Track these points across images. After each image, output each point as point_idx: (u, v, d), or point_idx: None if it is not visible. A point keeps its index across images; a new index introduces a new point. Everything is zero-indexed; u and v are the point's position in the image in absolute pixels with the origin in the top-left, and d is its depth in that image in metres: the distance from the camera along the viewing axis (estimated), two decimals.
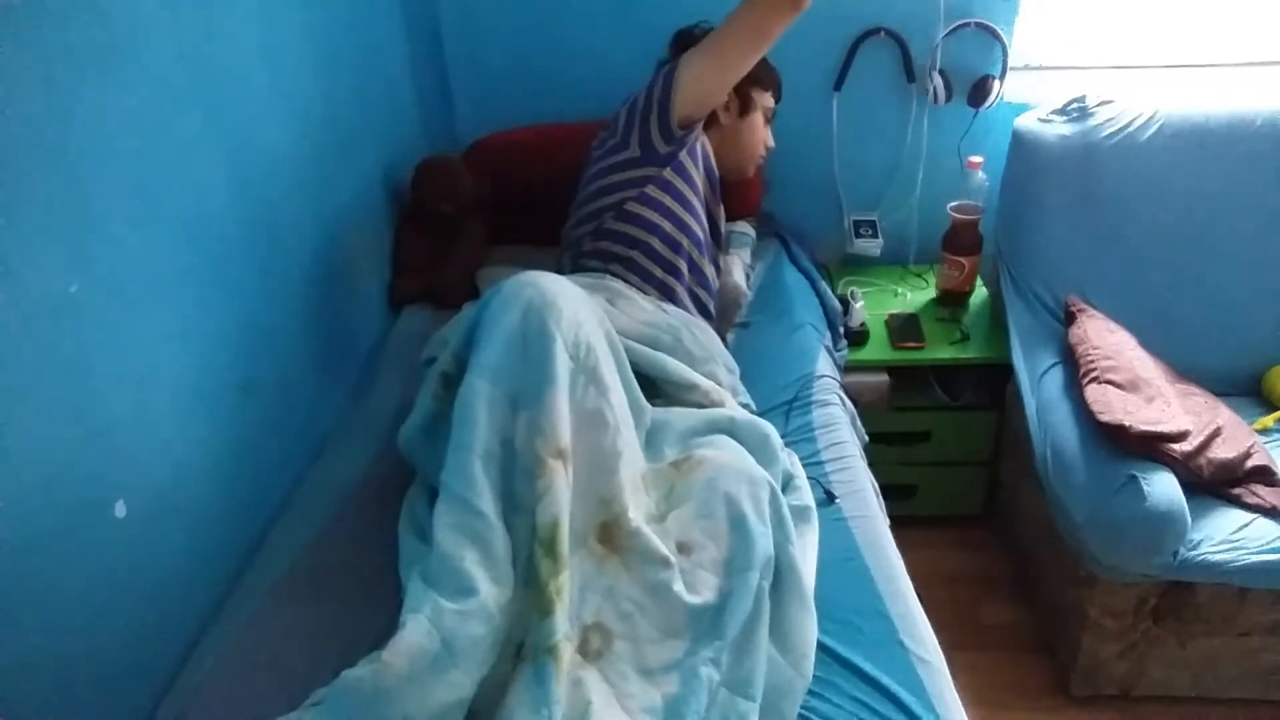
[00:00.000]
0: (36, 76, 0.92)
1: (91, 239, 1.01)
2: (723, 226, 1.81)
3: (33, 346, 0.93)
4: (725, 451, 1.24)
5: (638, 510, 1.12)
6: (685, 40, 1.75)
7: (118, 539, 1.05)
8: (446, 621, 0.94)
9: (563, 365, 1.10)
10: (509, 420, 1.09)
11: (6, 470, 0.89)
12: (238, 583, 1.26)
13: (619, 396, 1.18)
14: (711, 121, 1.71)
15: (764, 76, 1.76)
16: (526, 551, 1.03)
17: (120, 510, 1.05)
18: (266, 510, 1.38)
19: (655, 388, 1.39)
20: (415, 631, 0.92)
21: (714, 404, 1.40)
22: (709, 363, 1.47)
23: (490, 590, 0.99)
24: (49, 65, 0.94)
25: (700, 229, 1.64)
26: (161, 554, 1.13)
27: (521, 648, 1.01)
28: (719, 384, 1.45)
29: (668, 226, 1.58)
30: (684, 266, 1.61)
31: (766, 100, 1.80)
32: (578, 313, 1.16)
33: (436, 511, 1.05)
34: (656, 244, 1.57)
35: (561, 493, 1.05)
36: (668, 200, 1.58)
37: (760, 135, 1.80)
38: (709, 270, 1.68)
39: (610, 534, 1.09)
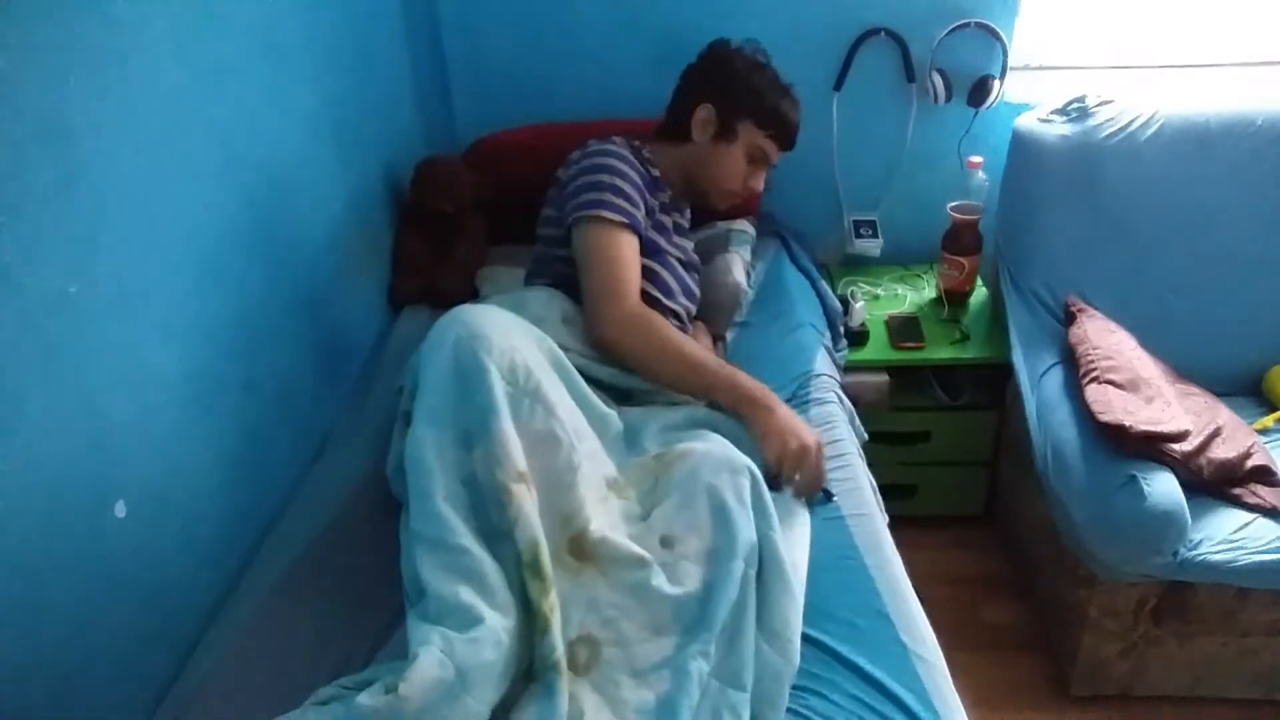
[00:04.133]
0: (36, 76, 0.92)
1: (91, 239, 1.01)
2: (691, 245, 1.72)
3: (33, 347, 0.93)
4: (705, 443, 1.24)
5: (604, 519, 1.12)
6: (719, 54, 1.63)
7: (118, 539, 1.05)
8: (458, 650, 0.94)
9: (501, 393, 1.09)
10: (464, 459, 1.08)
11: (7, 470, 0.90)
12: (238, 583, 1.26)
13: (569, 410, 1.18)
14: (684, 138, 1.61)
15: (758, 108, 1.59)
16: (518, 576, 1.03)
17: (120, 510, 1.05)
18: (266, 510, 1.38)
19: (628, 394, 1.39)
20: (428, 662, 0.92)
21: (684, 400, 1.40)
22: None
23: (494, 617, 0.99)
24: (50, 66, 0.94)
25: (666, 273, 1.56)
26: (161, 554, 1.13)
27: (530, 670, 1.01)
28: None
29: (653, 291, 1.52)
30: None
31: (757, 138, 1.61)
32: (509, 338, 1.15)
33: (419, 563, 1.04)
34: None
35: (531, 514, 1.05)
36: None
37: (733, 170, 1.62)
38: (683, 303, 1.60)
39: (580, 546, 1.09)
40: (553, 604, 1.01)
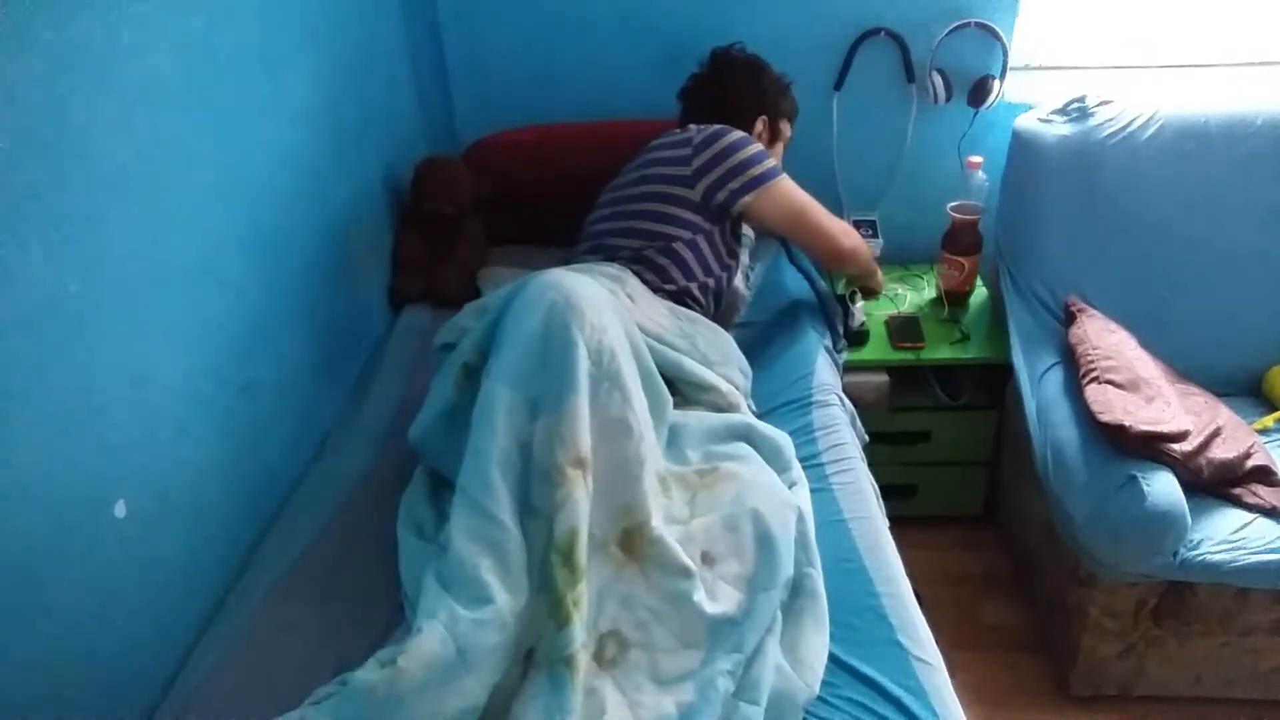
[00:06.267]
0: (36, 76, 0.92)
1: (91, 239, 1.01)
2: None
3: (33, 346, 0.93)
4: (753, 468, 1.24)
5: (660, 517, 1.11)
6: (724, 60, 1.78)
7: (118, 539, 1.05)
8: (462, 629, 0.94)
9: (584, 371, 1.09)
10: (527, 425, 1.08)
11: (7, 470, 0.90)
12: (238, 582, 1.26)
13: (641, 402, 1.18)
14: None
15: (793, 111, 1.85)
16: (541, 557, 1.03)
17: (120, 510, 1.05)
18: (266, 510, 1.38)
19: (672, 387, 1.38)
20: (431, 638, 0.92)
21: (731, 406, 1.40)
22: (724, 366, 1.46)
23: (505, 599, 0.99)
24: (49, 65, 0.94)
25: (731, 272, 1.70)
26: (161, 554, 1.13)
27: (532, 653, 1.01)
28: (735, 387, 1.45)
29: (705, 278, 1.62)
30: (706, 308, 1.64)
31: (789, 130, 1.86)
32: (601, 317, 1.15)
33: (453, 516, 1.04)
34: (694, 288, 1.60)
35: (581, 503, 1.04)
36: (710, 256, 1.62)
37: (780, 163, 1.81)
38: (725, 300, 1.73)
39: (631, 541, 1.09)
40: (578, 597, 1.00)
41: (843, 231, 1.73)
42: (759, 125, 1.77)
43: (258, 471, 1.36)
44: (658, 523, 1.09)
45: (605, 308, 1.18)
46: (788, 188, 1.65)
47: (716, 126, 1.62)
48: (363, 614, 1.17)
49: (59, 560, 0.96)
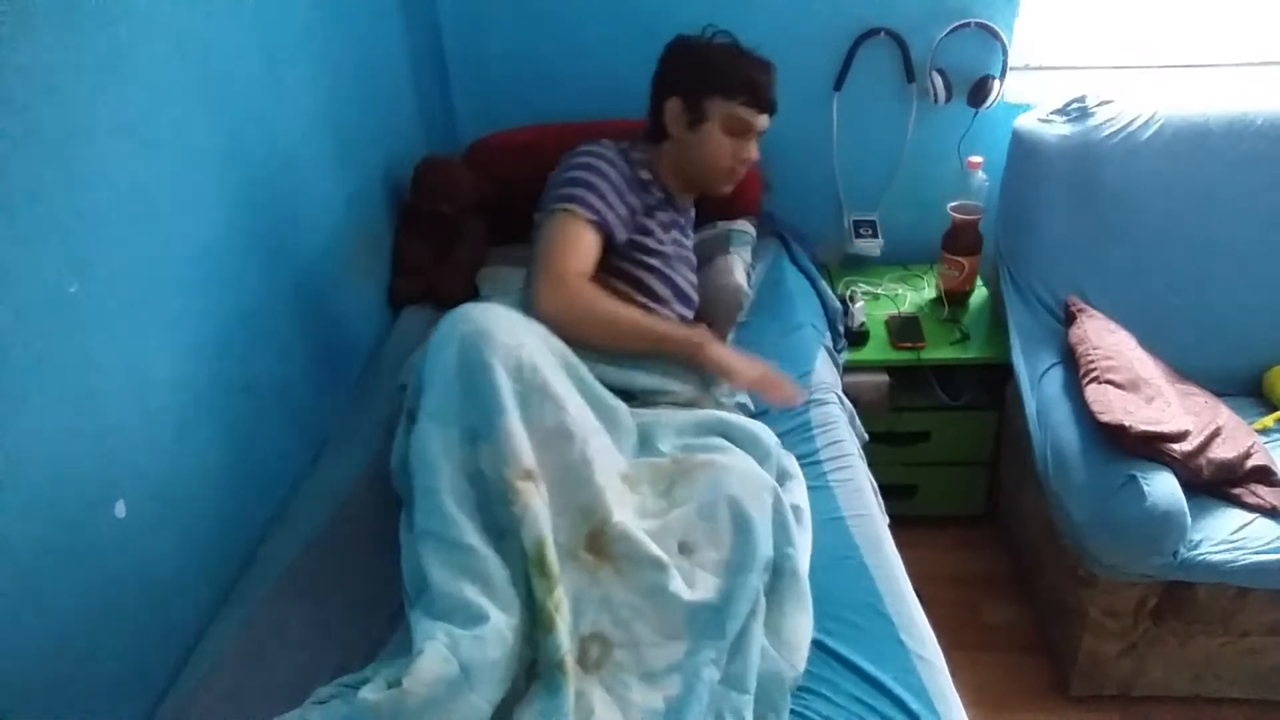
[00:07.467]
0: (37, 77, 0.92)
1: (91, 239, 1.01)
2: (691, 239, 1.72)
3: (33, 346, 0.93)
4: (728, 455, 1.25)
5: (623, 512, 1.12)
6: (670, 48, 1.64)
7: (118, 539, 1.05)
8: (464, 647, 0.94)
9: (508, 391, 1.09)
10: (470, 455, 1.08)
11: (7, 470, 0.90)
12: (238, 582, 1.26)
13: (578, 406, 1.18)
14: (663, 136, 1.60)
15: (722, 81, 1.54)
16: (523, 573, 1.04)
17: (120, 510, 1.05)
18: (266, 510, 1.38)
19: (630, 394, 1.38)
20: (434, 658, 0.92)
21: (691, 403, 1.40)
22: (681, 368, 1.44)
23: (499, 615, 0.99)
24: (49, 65, 0.94)
25: (675, 279, 1.58)
26: (161, 554, 1.13)
27: (533, 667, 1.01)
28: (703, 385, 1.45)
29: (642, 298, 1.54)
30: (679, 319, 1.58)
31: (730, 109, 1.54)
32: (516, 335, 1.15)
33: (423, 556, 1.04)
34: (649, 304, 1.54)
35: (539, 512, 1.05)
36: (629, 268, 1.53)
37: (716, 149, 1.56)
38: (678, 309, 1.60)
39: (599, 542, 1.09)
40: (557, 602, 1.01)
41: (552, 286, 1.37)
42: (672, 106, 1.55)
43: (257, 471, 1.36)
44: (620, 517, 1.10)
45: (519, 326, 1.18)
46: (555, 226, 1.43)
47: (581, 145, 1.54)
48: (363, 614, 1.17)
49: (59, 560, 0.96)
